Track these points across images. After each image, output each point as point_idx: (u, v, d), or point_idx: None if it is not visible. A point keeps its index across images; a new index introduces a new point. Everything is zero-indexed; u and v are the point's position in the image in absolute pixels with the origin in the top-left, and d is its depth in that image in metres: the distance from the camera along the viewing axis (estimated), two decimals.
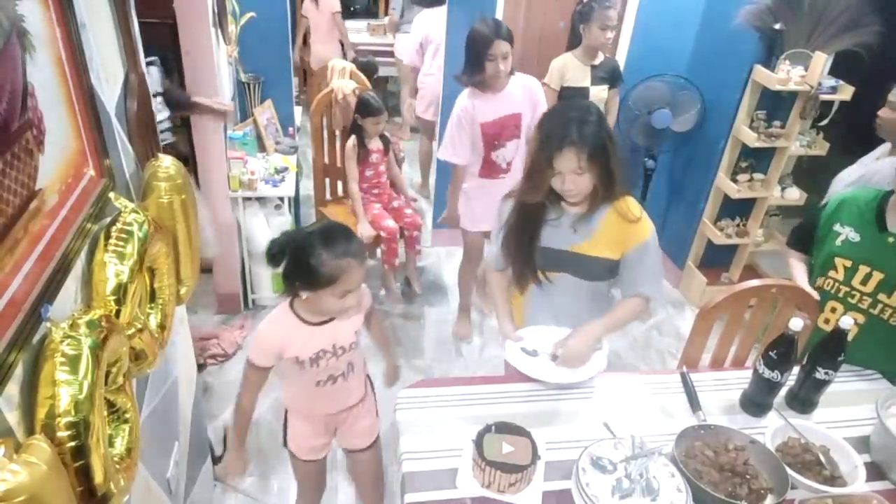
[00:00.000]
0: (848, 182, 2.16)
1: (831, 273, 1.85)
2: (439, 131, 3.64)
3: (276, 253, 1.49)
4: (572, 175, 1.55)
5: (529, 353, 1.71)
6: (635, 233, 1.66)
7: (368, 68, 4.24)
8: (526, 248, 1.72)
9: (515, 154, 2.77)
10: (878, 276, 1.75)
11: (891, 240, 1.72)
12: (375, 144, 3.24)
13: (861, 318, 1.80)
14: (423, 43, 4.34)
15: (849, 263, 1.80)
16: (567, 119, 1.54)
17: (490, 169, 2.80)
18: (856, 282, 1.80)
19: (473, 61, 2.56)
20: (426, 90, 4.36)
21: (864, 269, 1.78)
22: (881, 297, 1.76)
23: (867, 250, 1.77)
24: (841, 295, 1.84)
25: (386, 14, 6.18)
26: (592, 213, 1.66)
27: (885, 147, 2.20)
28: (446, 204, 2.96)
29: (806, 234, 1.97)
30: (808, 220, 1.99)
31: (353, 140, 3.19)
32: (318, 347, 1.60)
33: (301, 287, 1.50)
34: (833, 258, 1.83)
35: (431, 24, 4.19)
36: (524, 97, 2.69)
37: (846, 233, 1.81)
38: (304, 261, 1.44)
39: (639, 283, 1.73)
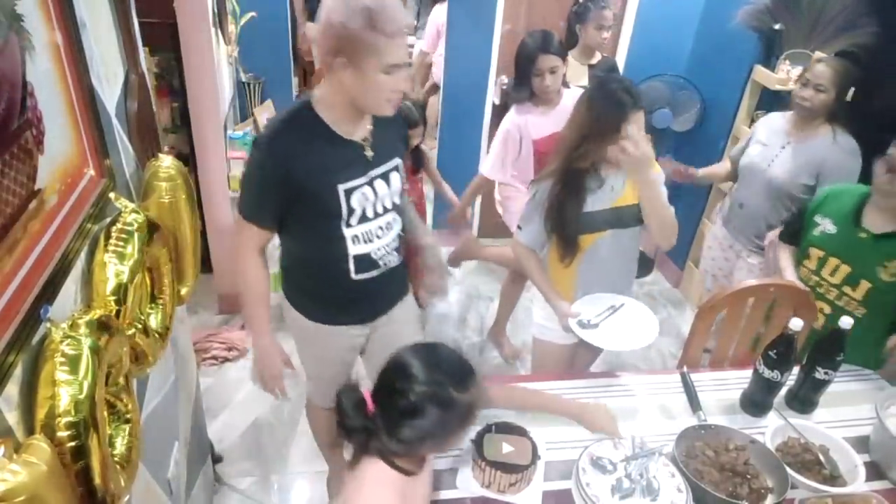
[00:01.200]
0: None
1: (805, 262, 1.94)
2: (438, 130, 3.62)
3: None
4: (641, 133, 1.65)
5: (588, 326, 1.76)
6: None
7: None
8: (573, 216, 1.78)
9: None
10: (845, 269, 1.83)
11: (863, 235, 1.79)
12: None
13: (827, 309, 1.88)
14: (439, 29, 4.41)
15: (821, 254, 1.89)
16: (624, 86, 1.67)
17: None
18: (825, 273, 1.88)
19: (520, 76, 2.47)
20: (436, 76, 4.42)
21: (833, 261, 1.85)
22: (846, 289, 1.84)
23: (839, 243, 1.84)
24: (811, 284, 1.92)
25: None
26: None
27: None
28: (446, 204, 2.95)
29: (796, 226, 2.04)
30: (799, 212, 2.05)
31: None
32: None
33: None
34: (809, 247, 1.92)
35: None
36: None
37: (824, 224, 1.90)
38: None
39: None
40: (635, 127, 1.64)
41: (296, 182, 1.48)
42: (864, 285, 1.80)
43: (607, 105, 1.66)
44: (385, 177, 1.61)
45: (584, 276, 1.91)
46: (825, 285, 1.89)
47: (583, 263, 1.88)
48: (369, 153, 1.56)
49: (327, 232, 1.58)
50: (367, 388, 1.20)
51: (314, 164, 1.48)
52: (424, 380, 1.12)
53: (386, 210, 1.64)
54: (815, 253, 1.91)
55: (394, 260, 1.72)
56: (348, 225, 1.57)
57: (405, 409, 1.11)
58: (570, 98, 2.51)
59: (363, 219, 1.59)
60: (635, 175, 1.69)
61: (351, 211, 1.55)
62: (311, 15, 5.30)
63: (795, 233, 2.04)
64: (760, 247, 2.47)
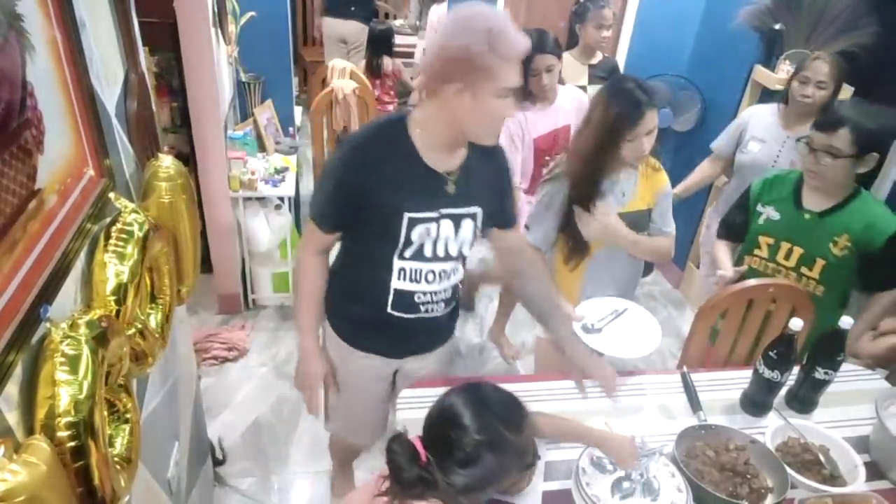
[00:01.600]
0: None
1: (756, 251, 1.97)
2: None
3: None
4: (651, 133, 1.69)
5: (592, 331, 1.75)
6: (660, 179, 1.90)
7: (386, 36, 4.24)
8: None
9: None
10: (798, 251, 1.88)
11: (807, 216, 1.85)
12: None
13: None
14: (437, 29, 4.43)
15: (771, 241, 1.92)
16: (636, 84, 1.70)
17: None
18: (780, 258, 1.92)
19: None
20: None
21: (785, 245, 1.90)
22: (804, 269, 1.89)
23: (786, 227, 1.89)
24: (769, 271, 1.95)
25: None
26: (635, 171, 1.83)
27: None
28: None
29: (737, 220, 2.06)
30: (739, 208, 2.06)
31: None
32: None
33: None
34: (757, 236, 1.95)
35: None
36: (572, 108, 2.55)
37: (767, 212, 1.93)
38: None
39: (666, 223, 1.93)
40: (602, 210, 1.76)
41: (366, 195, 1.41)
42: (820, 263, 1.85)
43: (624, 103, 1.67)
44: (456, 220, 1.50)
45: (590, 279, 1.91)
46: (784, 270, 1.93)
47: (589, 266, 1.89)
48: (450, 188, 1.46)
49: (378, 255, 1.50)
50: (415, 436, 1.15)
51: (389, 182, 1.41)
52: (477, 428, 1.09)
53: (447, 256, 1.53)
54: (765, 241, 1.94)
55: (439, 311, 1.61)
56: (401, 256, 1.49)
57: (461, 459, 1.08)
58: (565, 95, 2.55)
59: (418, 255, 1.49)
60: (608, 243, 1.80)
61: (408, 242, 1.46)
62: (326, 10, 5.32)
63: (737, 227, 2.06)
64: None
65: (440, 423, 1.14)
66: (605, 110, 1.71)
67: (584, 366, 1.68)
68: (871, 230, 1.78)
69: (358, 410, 1.81)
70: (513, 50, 1.30)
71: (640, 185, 1.87)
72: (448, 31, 1.31)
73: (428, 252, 1.49)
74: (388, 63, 4.25)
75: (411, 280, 1.52)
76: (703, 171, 2.85)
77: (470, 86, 1.31)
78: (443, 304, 1.61)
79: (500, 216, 1.61)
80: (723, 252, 2.09)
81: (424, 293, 1.55)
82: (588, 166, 1.76)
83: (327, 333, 1.72)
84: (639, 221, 1.87)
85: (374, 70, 4.18)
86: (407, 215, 1.43)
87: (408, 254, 1.48)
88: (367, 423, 1.85)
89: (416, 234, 1.45)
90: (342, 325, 1.67)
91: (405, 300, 1.55)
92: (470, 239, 1.55)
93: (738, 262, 2.05)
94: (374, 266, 1.52)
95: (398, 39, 5.23)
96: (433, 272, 1.53)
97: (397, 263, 1.50)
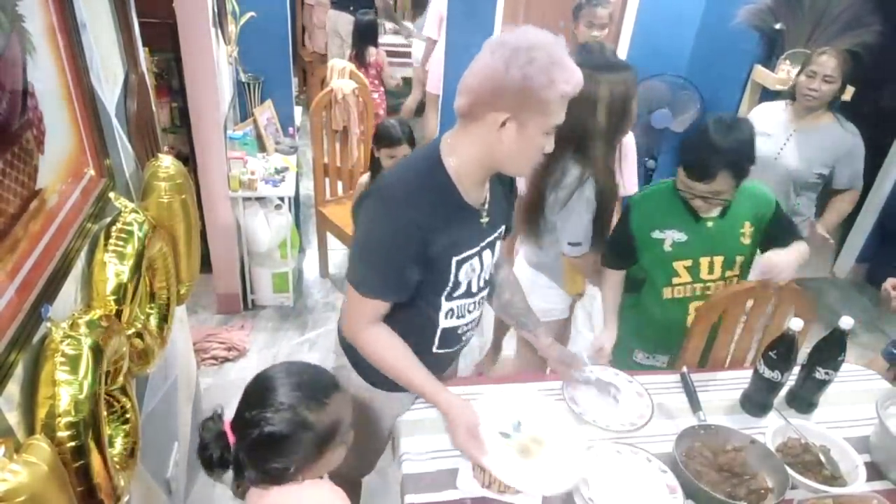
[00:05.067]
0: None
1: (675, 280, 1.85)
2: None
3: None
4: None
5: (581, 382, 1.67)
6: None
7: (371, 26, 4.31)
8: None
9: None
10: (718, 260, 1.83)
11: (710, 224, 1.79)
12: None
13: None
14: (441, 17, 4.39)
15: (689, 263, 1.83)
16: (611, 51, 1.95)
17: None
18: (704, 274, 1.85)
19: None
20: (438, 64, 4.37)
21: (705, 260, 1.83)
22: (728, 273, 1.85)
23: (698, 243, 1.81)
24: (699, 293, 1.87)
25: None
26: None
27: None
28: None
29: (624, 248, 1.91)
30: (622, 236, 1.91)
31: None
32: None
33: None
34: (671, 264, 1.84)
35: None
36: None
37: (670, 236, 1.81)
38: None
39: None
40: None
41: (424, 252, 1.31)
42: (739, 260, 1.84)
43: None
44: (492, 245, 1.46)
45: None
46: (712, 285, 1.86)
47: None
48: (484, 220, 1.40)
49: (424, 301, 1.41)
50: (228, 421, 1.17)
51: (438, 231, 1.31)
52: (275, 405, 1.09)
53: (486, 283, 1.52)
54: (682, 265, 1.83)
55: (473, 335, 1.60)
56: (449, 297, 1.42)
57: (259, 441, 1.09)
58: None
59: (466, 293, 1.44)
60: None
61: (457, 284, 1.40)
62: (332, 4, 5.32)
63: (625, 255, 1.93)
64: None
65: (244, 400, 1.15)
66: (610, 88, 1.74)
67: (557, 361, 1.67)
68: (758, 206, 1.80)
69: (371, 446, 1.70)
70: (571, 87, 1.22)
71: None
72: (504, 58, 1.19)
73: (474, 287, 1.46)
74: (372, 53, 4.32)
75: (458, 317, 1.48)
76: None
77: (518, 118, 1.23)
78: (476, 326, 1.58)
79: (505, 231, 1.57)
80: (613, 286, 1.97)
81: (467, 324, 1.52)
82: (611, 146, 1.83)
83: (345, 382, 1.52)
84: None
85: (359, 59, 4.27)
86: (455, 259, 1.36)
87: (456, 294, 1.43)
88: (377, 452, 1.74)
89: (463, 275, 1.40)
90: (373, 371, 1.49)
91: (451, 337, 1.50)
92: (498, 255, 1.54)
93: (655, 299, 1.91)
94: (419, 312, 1.43)
95: (391, 39, 5.28)
96: (475, 303, 1.51)
97: (445, 305, 1.43)
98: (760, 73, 3.05)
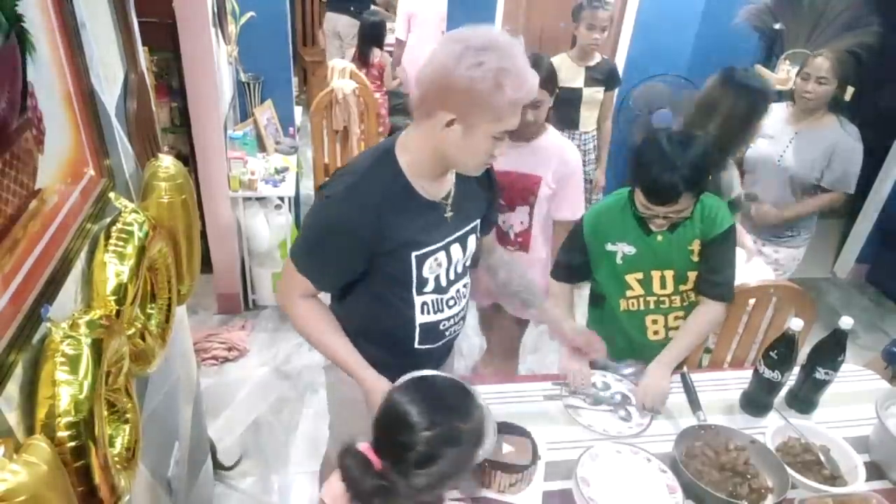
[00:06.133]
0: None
1: (629, 293, 1.81)
2: None
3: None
4: None
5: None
6: None
7: (378, 28, 4.28)
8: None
9: (526, 228, 2.09)
10: (669, 273, 1.76)
11: (659, 238, 1.72)
12: None
13: (683, 315, 1.80)
14: (409, 17, 4.41)
15: (640, 276, 1.78)
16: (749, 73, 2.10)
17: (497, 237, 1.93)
18: (656, 288, 1.79)
19: None
20: (411, 65, 4.39)
21: (656, 274, 1.77)
22: (681, 287, 1.79)
23: (647, 256, 1.75)
24: (653, 306, 1.81)
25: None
26: None
27: None
28: None
29: (577, 261, 1.87)
30: (575, 249, 1.87)
31: None
32: None
33: None
34: (623, 277, 1.80)
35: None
36: (551, 160, 1.97)
37: (621, 249, 1.77)
38: None
39: None
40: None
41: (371, 247, 1.30)
42: (691, 275, 1.77)
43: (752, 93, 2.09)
44: (462, 240, 1.43)
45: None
46: (666, 299, 1.80)
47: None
48: (449, 214, 1.38)
49: (395, 297, 1.40)
50: (365, 445, 1.12)
51: (390, 226, 1.29)
52: (427, 424, 1.05)
53: (458, 277, 1.47)
54: (634, 278, 1.79)
55: (460, 329, 1.56)
56: (419, 292, 1.40)
57: (416, 459, 1.05)
58: (548, 141, 1.99)
59: (436, 288, 1.42)
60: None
61: (422, 279, 1.38)
62: (329, 6, 5.31)
63: (577, 268, 1.89)
64: (777, 235, 2.57)
65: (388, 426, 1.10)
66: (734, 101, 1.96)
67: (569, 335, 1.65)
68: (712, 226, 1.70)
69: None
70: (522, 94, 1.18)
71: None
72: (454, 55, 1.16)
73: (444, 281, 1.43)
74: (376, 54, 4.33)
75: (435, 311, 1.45)
76: None
77: (464, 120, 1.20)
78: (462, 322, 1.56)
79: (485, 224, 1.55)
80: (564, 302, 1.90)
81: (448, 319, 1.48)
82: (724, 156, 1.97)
83: (333, 386, 1.60)
84: None
85: (362, 60, 4.28)
86: (414, 254, 1.34)
87: (426, 289, 1.41)
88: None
89: (427, 270, 1.38)
90: None
91: (431, 332, 1.47)
92: (475, 247, 1.51)
93: (613, 312, 1.86)
94: (394, 308, 1.42)
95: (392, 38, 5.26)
96: (454, 297, 1.47)
97: (418, 300, 1.41)
98: (761, 73, 3.05)
